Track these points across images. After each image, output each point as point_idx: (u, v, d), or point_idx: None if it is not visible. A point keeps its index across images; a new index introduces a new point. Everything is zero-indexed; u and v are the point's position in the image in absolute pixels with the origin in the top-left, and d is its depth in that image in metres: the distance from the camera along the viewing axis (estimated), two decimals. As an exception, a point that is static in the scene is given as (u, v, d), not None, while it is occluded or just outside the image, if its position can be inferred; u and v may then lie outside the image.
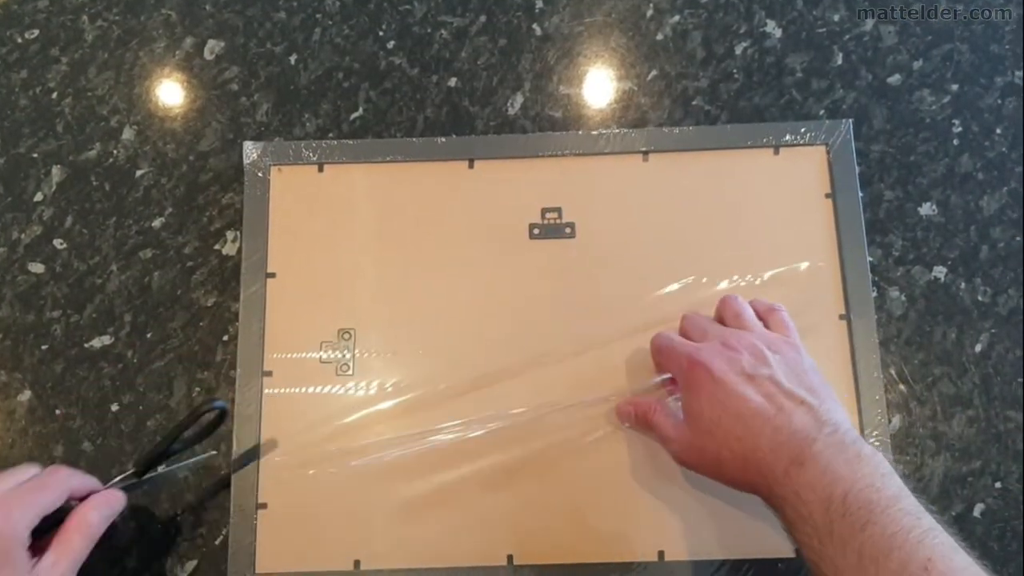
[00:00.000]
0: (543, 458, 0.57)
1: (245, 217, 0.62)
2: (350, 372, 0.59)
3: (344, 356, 0.59)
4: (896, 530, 0.41)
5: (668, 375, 0.56)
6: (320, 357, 0.59)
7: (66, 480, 0.49)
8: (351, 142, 0.63)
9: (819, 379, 0.50)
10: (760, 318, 0.54)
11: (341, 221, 0.62)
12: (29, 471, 0.50)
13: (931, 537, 0.41)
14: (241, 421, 0.58)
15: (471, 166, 0.63)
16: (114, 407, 0.60)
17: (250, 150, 0.63)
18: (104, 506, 0.50)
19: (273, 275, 0.61)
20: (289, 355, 0.59)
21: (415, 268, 0.61)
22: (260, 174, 0.62)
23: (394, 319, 0.60)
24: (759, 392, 0.48)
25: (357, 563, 0.56)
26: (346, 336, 0.59)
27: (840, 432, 0.45)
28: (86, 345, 0.61)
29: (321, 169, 0.63)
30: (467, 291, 0.60)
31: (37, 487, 0.48)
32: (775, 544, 0.55)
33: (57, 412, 0.60)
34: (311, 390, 0.58)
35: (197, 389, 0.60)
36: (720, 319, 0.55)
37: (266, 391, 0.58)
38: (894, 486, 0.43)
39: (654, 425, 0.53)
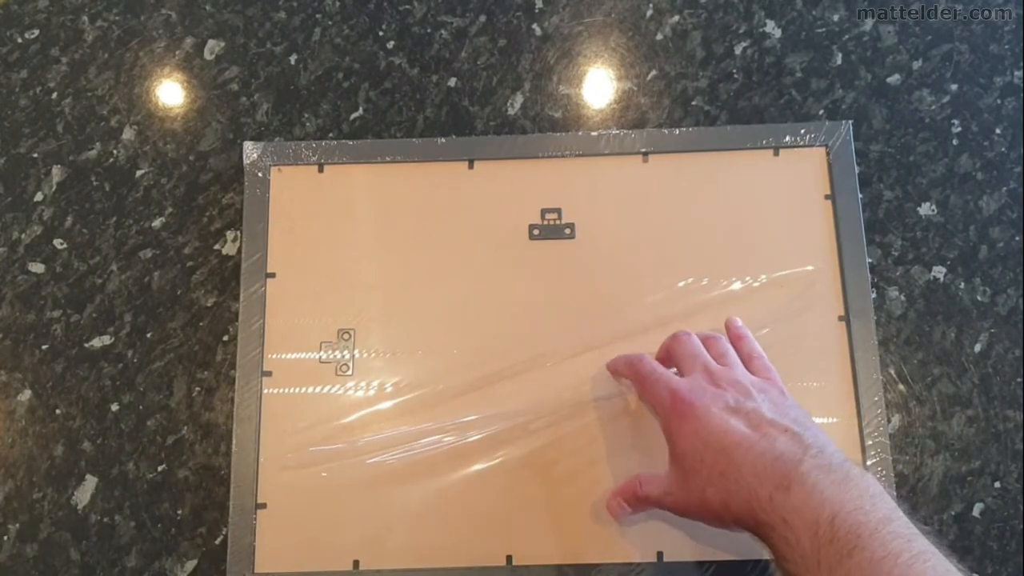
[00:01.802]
0: (543, 459, 0.57)
1: (245, 217, 0.62)
2: (350, 372, 0.59)
3: (344, 356, 0.59)
4: (884, 555, 0.40)
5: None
6: (320, 357, 0.59)
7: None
8: (351, 142, 0.63)
9: (804, 413, 0.49)
10: (742, 362, 0.53)
11: (341, 221, 0.62)
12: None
13: (921, 561, 0.40)
14: (240, 421, 0.58)
15: (471, 167, 0.63)
16: (114, 407, 0.60)
17: (250, 150, 0.63)
18: None
19: (273, 275, 0.61)
20: (289, 355, 0.59)
21: (415, 268, 0.61)
22: (260, 174, 0.62)
23: (394, 319, 0.60)
24: (742, 422, 0.47)
25: (356, 563, 0.56)
26: (346, 336, 0.59)
27: (826, 454, 0.44)
28: (86, 345, 0.61)
29: (321, 169, 0.63)
30: (467, 292, 0.60)
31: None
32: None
33: (57, 412, 0.60)
34: (311, 390, 0.59)
35: (197, 389, 0.60)
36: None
37: (266, 391, 0.59)
38: (884, 507, 0.42)
39: (646, 496, 0.51)
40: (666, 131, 0.63)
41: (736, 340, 0.55)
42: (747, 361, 0.53)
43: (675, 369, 0.53)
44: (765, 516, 0.44)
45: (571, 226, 0.61)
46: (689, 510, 0.49)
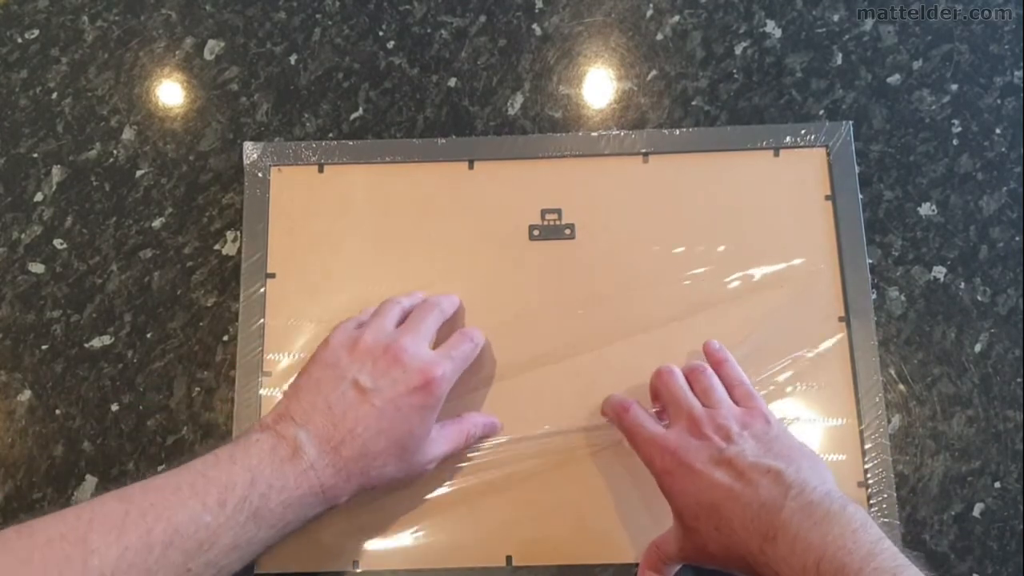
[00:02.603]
0: (542, 459, 0.57)
1: (245, 217, 0.62)
2: (350, 373, 0.59)
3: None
4: None
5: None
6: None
7: (439, 312, 0.56)
8: (351, 143, 0.63)
9: (790, 442, 0.49)
10: (726, 389, 0.54)
11: (341, 222, 0.62)
12: (397, 307, 0.56)
13: None
14: (240, 421, 0.58)
15: (471, 167, 0.63)
16: (114, 407, 0.60)
17: (250, 150, 0.63)
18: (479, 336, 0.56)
19: (273, 275, 0.61)
20: (289, 355, 0.59)
21: (415, 269, 0.61)
22: (260, 174, 0.62)
23: (394, 319, 0.60)
24: (728, 474, 0.47)
25: (356, 563, 0.56)
26: (346, 337, 0.59)
27: (806, 491, 0.44)
28: (86, 345, 0.61)
29: (321, 169, 0.63)
30: (467, 292, 0.60)
31: (421, 318, 0.55)
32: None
33: (57, 412, 0.60)
34: (311, 391, 0.58)
35: (197, 389, 0.60)
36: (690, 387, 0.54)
37: (265, 391, 0.58)
38: (867, 542, 0.42)
39: (668, 556, 0.52)
40: (666, 132, 0.63)
41: (718, 365, 0.55)
42: (730, 389, 0.54)
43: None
44: (761, 569, 0.45)
45: (571, 227, 0.61)
46: (704, 562, 0.50)
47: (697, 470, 0.48)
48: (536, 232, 0.61)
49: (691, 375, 0.54)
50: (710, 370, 0.54)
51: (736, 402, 0.53)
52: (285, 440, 0.47)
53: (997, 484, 0.57)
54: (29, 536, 0.41)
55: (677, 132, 0.63)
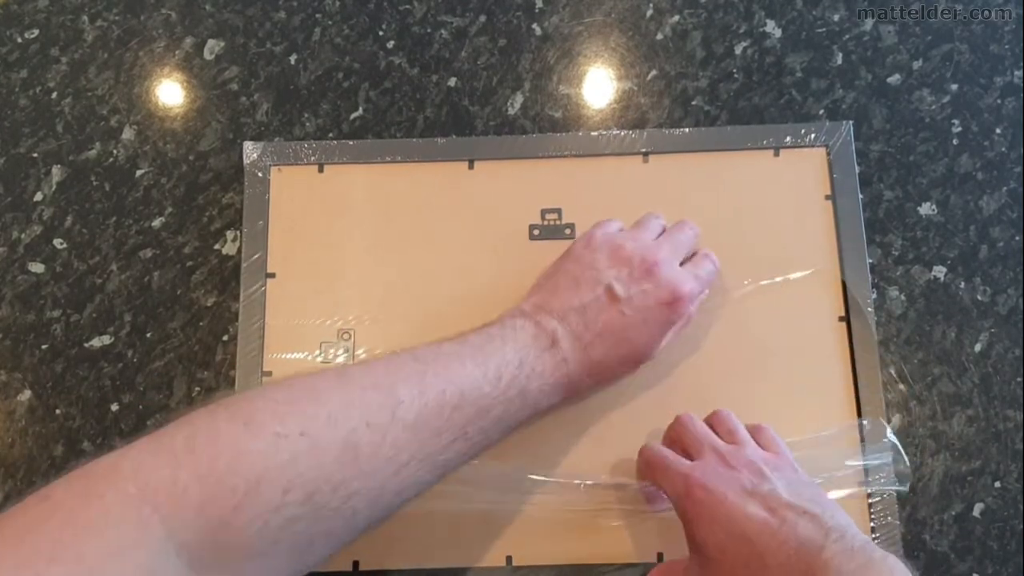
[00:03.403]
0: (542, 458, 0.57)
1: (245, 217, 0.62)
2: (350, 372, 0.59)
3: (344, 357, 0.59)
4: None
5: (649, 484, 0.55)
6: (320, 358, 0.59)
7: (692, 233, 0.58)
8: (351, 142, 0.63)
9: (819, 491, 0.48)
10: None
11: (341, 221, 0.62)
12: (658, 221, 0.58)
13: None
14: (241, 421, 0.58)
15: (471, 167, 0.63)
16: (114, 407, 0.60)
17: (250, 150, 0.63)
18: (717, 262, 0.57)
19: (273, 275, 0.61)
20: (289, 355, 0.59)
21: (415, 269, 0.61)
22: (260, 174, 0.62)
23: (394, 320, 0.60)
24: (762, 507, 0.46)
25: (356, 564, 0.56)
26: (346, 337, 0.59)
27: (847, 537, 0.43)
28: (86, 345, 0.61)
29: (321, 169, 0.63)
30: (467, 292, 0.60)
31: (677, 235, 0.57)
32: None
33: (57, 412, 0.60)
34: (311, 391, 0.58)
35: (197, 389, 0.60)
36: (712, 431, 0.53)
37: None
38: None
39: None
40: (666, 131, 0.63)
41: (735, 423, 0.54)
42: (753, 433, 0.53)
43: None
44: None
45: (571, 226, 0.61)
46: None
47: (730, 500, 0.46)
48: (536, 232, 0.61)
49: (712, 419, 0.54)
50: (732, 413, 0.54)
51: (760, 445, 0.51)
52: (545, 331, 0.51)
53: (997, 484, 0.57)
54: (347, 383, 0.45)
55: (677, 132, 0.63)
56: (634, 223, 0.58)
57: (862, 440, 0.56)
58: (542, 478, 0.56)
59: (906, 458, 0.55)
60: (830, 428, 0.57)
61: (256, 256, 0.61)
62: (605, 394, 0.58)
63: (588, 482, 0.56)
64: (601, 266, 0.53)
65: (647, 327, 0.52)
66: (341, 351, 0.59)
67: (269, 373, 0.59)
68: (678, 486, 0.49)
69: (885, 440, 0.56)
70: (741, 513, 0.46)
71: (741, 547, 0.45)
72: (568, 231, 0.61)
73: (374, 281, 0.60)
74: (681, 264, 0.55)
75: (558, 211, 0.61)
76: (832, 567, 0.42)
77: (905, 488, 0.55)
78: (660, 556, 0.55)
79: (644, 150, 0.62)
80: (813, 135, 0.62)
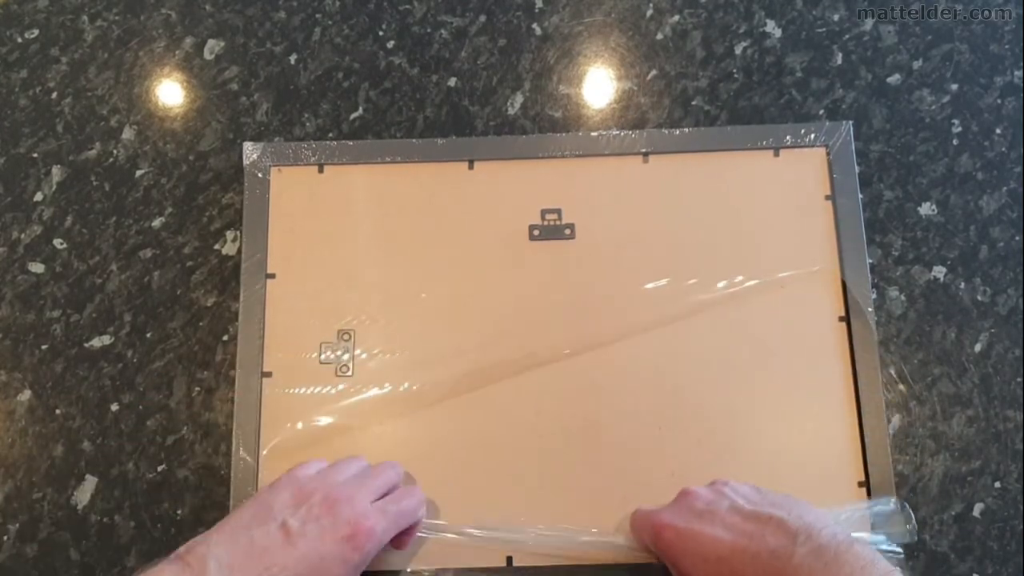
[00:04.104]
0: (542, 458, 0.57)
1: (245, 217, 0.62)
2: (349, 373, 0.59)
3: (343, 357, 0.59)
4: None
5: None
6: (320, 358, 0.59)
7: (395, 473, 0.55)
8: (351, 143, 0.63)
9: (779, 495, 0.50)
10: None
11: (341, 222, 0.62)
12: (359, 463, 0.54)
13: None
14: (241, 421, 0.58)
15: (471, 167, 0.63)
16: (114, 407, 0.60)
17: (250, 150, 0.63)
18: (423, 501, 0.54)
19: (273, 276, 0.61)
20: (289, 355, 0.59)
21: (415, 269, 0.61)
22: (260, 174, 0.62)
23: (394, 320, 0.60)
24: (726, 528, 0.48)
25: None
26: (346, 337, 0.59)
27: (813, 535, 0.45)
28: (86, 345, 0.61)
29: (321, 170, 0.63)
30: (467, 292, 0.60)
31: (374, 475, 0.53)
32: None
33: (57, 412, 0.60)
34: (310, 390, 0.59)
35: (197, 389, 0.60)
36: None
37: (266, 391, 0.59)
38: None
39: None
40: (666, 131, 0.63)
41: None
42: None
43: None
44: None
45: (571, 226, 0.61)
46: None
47: (695, 529, 0.48)
48: (536, 232, 0.61)
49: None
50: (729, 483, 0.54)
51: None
52: (191, 567, 0.46)
53: (997, 484, 0.57)
54: None
55: (677, 132, 0.63)
56: (332, 463, 0.54)
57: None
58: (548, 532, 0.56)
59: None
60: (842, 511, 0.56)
61: (256, 256, 0.61)
62: (601, 394, 0.58)
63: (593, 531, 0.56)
64: (279, 504, 0.50)
65: (325, 565, 0.48)
66: (341, 351, 0.59)
67: (269, 373, 0.59)
68: (650, 535, 0.51)
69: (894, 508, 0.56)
70: (710, 538, 0.48)
71: (720, 569, 0.47)
72: (568, 231, 0.61)
73: (374, 281, 0.60)
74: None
75: (558, 211, 0.61)
76: (803, 570, 0.44)
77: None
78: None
79: (644, 150, 0.62)
80: (813, 135, 0.62)
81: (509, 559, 0.56)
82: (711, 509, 0.49)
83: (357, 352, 0.59)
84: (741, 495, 0.50)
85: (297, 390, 0.59)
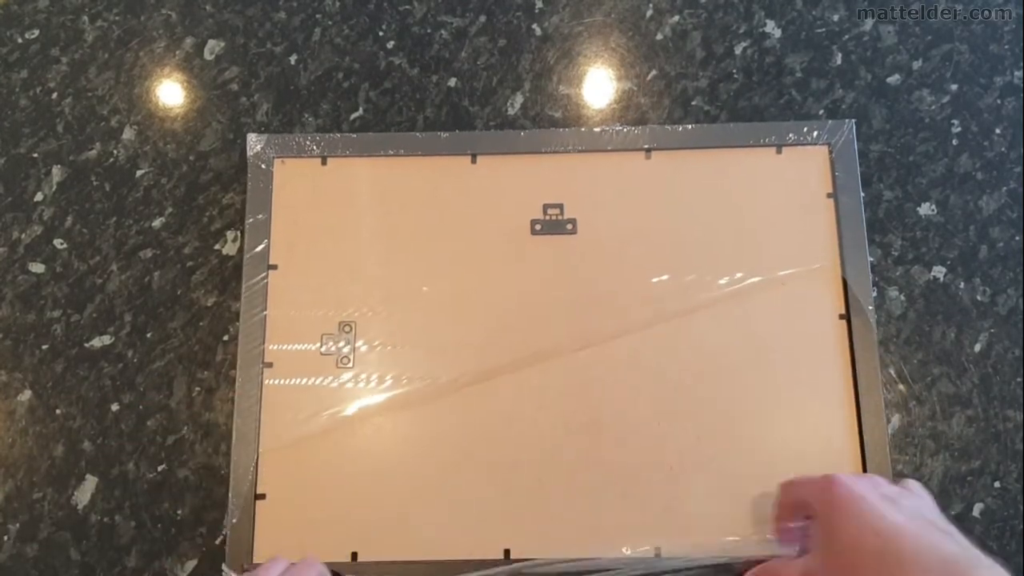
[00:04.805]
0: (542, 453, 0.57)
1: (248, 209, 0.62)
2: (350, 364, 0.59)
3: (344, 348, 0.59)
4: None
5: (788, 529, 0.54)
6: (321, 349, 0.59)
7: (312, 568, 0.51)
8: (354, 135, 0.63)
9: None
10: None
11: (343, 214, 0.62)
12: (280, 566, 0.50)
13: None
14: (241, 412, 0.58)
15: (474, 161, 0.63)
16: (114, 407, 0.60)
17: (253, 142, 0.63)
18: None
19: (275, 267, 0.61)
20: (290, 347, 0.59)
21: (417, 262, 0.61)
22: (263, 166, 0.62)
23: (395, 313, 0.60)
24: (902, 512, 0.45)
25: (355, 555, 0.56)
26: (347, 329, 0.59)
27: (996, 570, 0.41)
28: (86, 345, 0.61)
29: (324, 162, 0.63)
30: (468, 286, 0.60)
31: (296, 570, 0.50)
32: (771, 545, 0.55)
33: (57, 412, 0.60)
34: (311, 382, 0.59)
35: (197, 389, 0.60)
36: None
37: (266, 382, 0.58)
38: None
39: None
40: (669, 128, 0.63)
41: None
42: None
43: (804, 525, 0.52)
44: None
45: (573, 222, 0.61)
46: None
47: (871, 500, 0.46)
48: (538, 227, 0.61)
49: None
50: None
51: None
52: None
53: (997, 484, 0.57)
54: None
55: (680, 128, 0.63)
56: (260, 567, 0.51)
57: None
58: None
59: None
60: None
61: (258, 248, 0.61)
62: (601, 389, 0.58)
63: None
64: None
65: None
66: (342, 343, 0.59)
67: (270, 364, 0.59)
68: (820, 485, 0.48)
69: None
70: (881, 512, 0.45)
71: (878, 542, 0.44)
72: (570, 226, 0.61)
73: (376, 274, 0.60)
74: None
75: (560, 206, 0.61)
76: None
77: None
78: (657, 551, 0.55)
79: (646, 146, 0.62)
80: (816, 133, 0.62)
81: (507, 551, 0.55)
82: (893, 497, 0.47)
83: (358, 344, 0.59)
84: (922, 504, 0.47)
85: (297, 381, 0.58)
